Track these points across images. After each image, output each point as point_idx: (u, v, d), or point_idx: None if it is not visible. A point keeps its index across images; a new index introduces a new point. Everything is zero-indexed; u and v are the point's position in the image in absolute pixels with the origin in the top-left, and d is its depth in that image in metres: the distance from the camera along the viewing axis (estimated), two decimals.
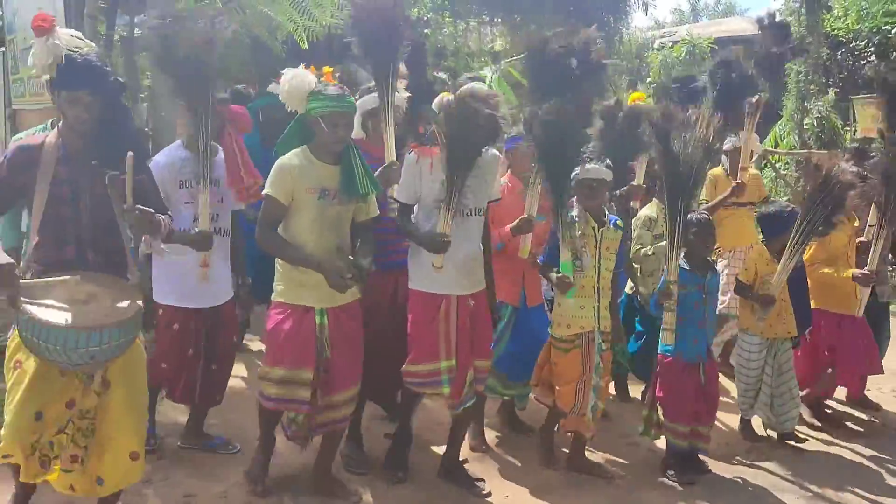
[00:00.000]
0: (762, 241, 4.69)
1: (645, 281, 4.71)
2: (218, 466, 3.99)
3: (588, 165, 3.89)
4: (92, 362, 2.73)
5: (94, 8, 5.68)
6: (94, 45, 3.05)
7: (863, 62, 14.37)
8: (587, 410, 3.93)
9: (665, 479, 4.09)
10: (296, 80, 3.44)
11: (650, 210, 4.77)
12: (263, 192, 3.44)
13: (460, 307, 3.72)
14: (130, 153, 2.78)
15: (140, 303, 2.87)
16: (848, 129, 11.31)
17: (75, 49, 2.90)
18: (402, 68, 4.24)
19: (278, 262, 3.52)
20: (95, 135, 2.91)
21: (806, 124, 10.56)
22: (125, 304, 2.80)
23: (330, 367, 3.47)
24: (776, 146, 11.13)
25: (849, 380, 5.01)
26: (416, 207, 3.80)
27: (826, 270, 4.75)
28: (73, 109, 2.87)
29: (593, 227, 3.92)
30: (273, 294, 3.55)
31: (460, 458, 4.04)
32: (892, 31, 14.15)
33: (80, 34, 3.04)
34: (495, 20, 8.52)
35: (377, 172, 3.63)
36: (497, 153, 3.93)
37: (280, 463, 3.93)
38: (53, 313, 2.65)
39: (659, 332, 4.13)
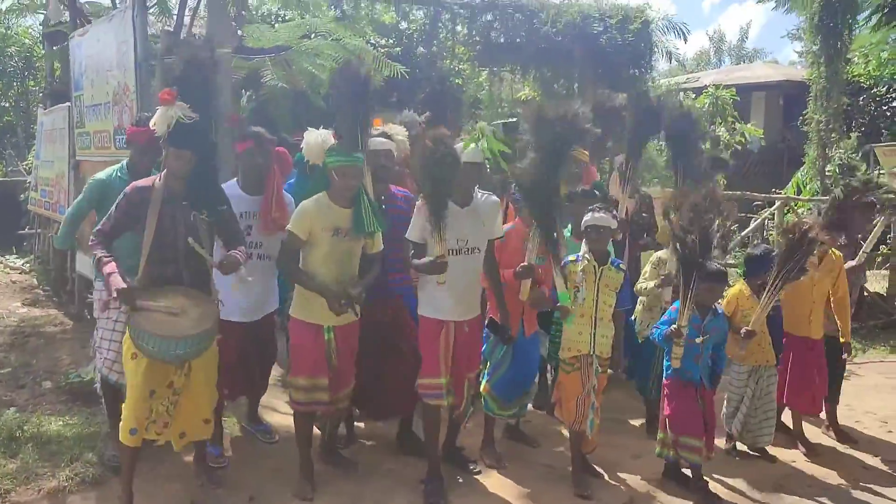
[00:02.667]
0: (743, 279, 5.07)
1: (645, 314, 5.24)
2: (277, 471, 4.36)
3: (596, 214, 4.41)
4: (178, 360, 3.68)
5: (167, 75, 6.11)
6: (197, 115, 3.81)
7: (884, 107, 14.72)
8: (586, 426, 4.39)
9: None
10: (316, 140, 4.23)
11: (664, 253, 5.18)
12: (287, 228, 4.13)
13: (457, 331, 4.31)
14: (190, 239, 3.72)
15: (218, 316, 3.80)
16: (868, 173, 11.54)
17: (186, 117, 3.73)
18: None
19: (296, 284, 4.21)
20: (190, 181, 3.80)
21: (828, 171, 10.81)
22: (205, 319, 3.69)
23: (335, 373, 4.18)
24: (799, 193, 11.38)
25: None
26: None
27: None
28: (177, 162, 3.77)
29: (594, 266, 4.40)
30: (291, 308, 4.24)
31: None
32: None
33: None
34: (527, 74, 8.97)
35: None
36: (496, 199, 4.48)
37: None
38: (154, 324, 3.57)
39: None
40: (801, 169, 11.60)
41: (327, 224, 4.05)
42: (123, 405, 3.82)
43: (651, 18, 8.67)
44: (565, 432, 4.81)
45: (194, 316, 3.66)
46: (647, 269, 5.23)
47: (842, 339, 5.24)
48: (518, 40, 8.37)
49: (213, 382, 3.97)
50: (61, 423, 5.00)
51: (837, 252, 5.20)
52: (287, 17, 10.80)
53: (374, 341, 4.45)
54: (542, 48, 8.30)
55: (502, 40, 8.48)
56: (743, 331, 4.68)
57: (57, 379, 5.82)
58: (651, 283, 5.03)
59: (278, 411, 5.40)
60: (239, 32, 8.67)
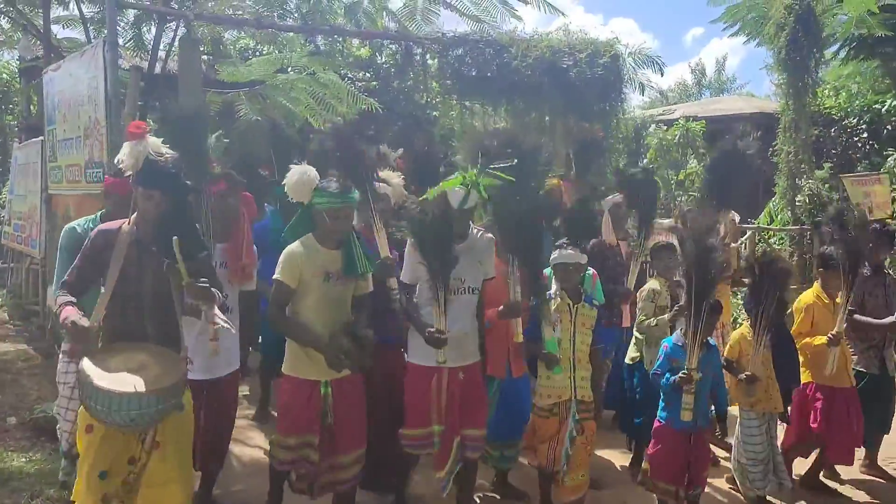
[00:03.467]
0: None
1: (650, 351, 4.90)
2: None
3: (563, 251, 4.23)
4: (132, 424, 3.04)
5: (134, 107, 6.18)
6: (173, 152, 3.42)
7: (855, 139, 14.97)
8: (560, 467, 4.16)
9: None
10: (301, 177, 3.79)
11: (654, 283, 5.03)
12: (273, 276, 3.74)
13: (451, 379, 3.98)
14: (176, 238, 3.15)
15: (183, 375, 3.18)
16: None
17: (158, 154, 3.30)
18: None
19: (288, 338, 3.86)
20: (160, 225, 3.31)
21: (798, 201, 10.97)
22: (168, 375, 3.12)
23: (333, 431, 3.77)
24: (771, 222, 11.55)
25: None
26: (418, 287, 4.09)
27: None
28: (146, 203, 3.31)
29: (568, 304, 4.21)
30: (283, 366, 3.88)
31: None
32: (883, 109, 14.78)
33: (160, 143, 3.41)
34: (499, 106, 9.11)
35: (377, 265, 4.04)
36: (491, 236, 4.21)
37: None
38: (104, 378, 3.00)
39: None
40: (773, 199, 11.78)
41: (317, 269, 3.73)
42: (74, 486, 3.30)
43: (620, 52, 8.82)
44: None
45: (156, 371, 3.13)
46: (642, 304, 4.99)
47: None
48: (489, 74, 8.49)
49: (188, 463, 3.41)
50: (24, 459, 4.96)
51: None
52: (264, 52, 10.95)
53: (375, 396, 4.17)
54: (513, 81, 8.42)
55: (474, 74, 8.61)
56: (742, 376, 4.51)
57: (22, 415, 5.76)
58: (665, 317, 4.76)
59: (247, 444, 5.40)
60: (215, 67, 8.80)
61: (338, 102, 8.67)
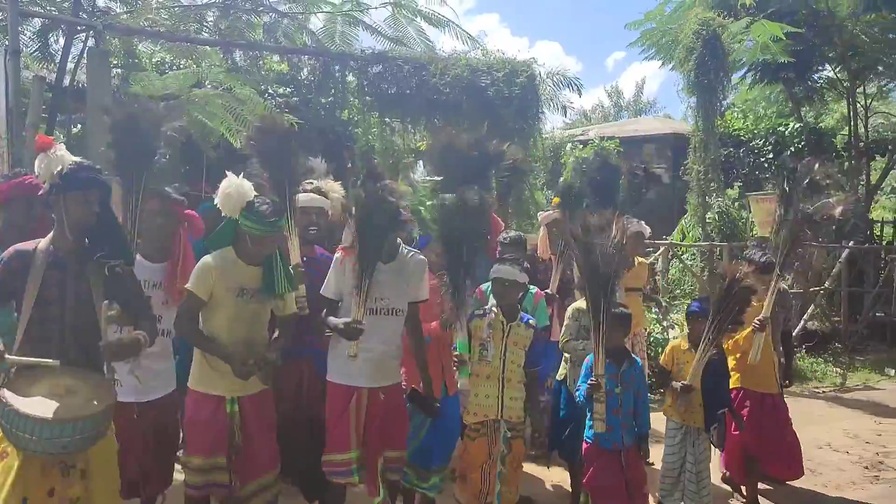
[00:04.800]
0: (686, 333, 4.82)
1: (575, 370, 4.74)
2: None
3: (502, 266, 4.12)
4: (64, 452, 2.92)
5: (37, 117, 5.97)
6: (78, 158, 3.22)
7: (762, 159, 15.68)
8: (494, 498, 4.06)
9: None
10: (234, 190, 3.62)
11: (580, 303, 4.81)
12: (185, 287, 3.67)
13: (371, 399, 3.87)
14: (106, 303, 3.02)
15: (114, 397, 3.08)
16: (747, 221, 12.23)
17: (72, 160, 3.14)
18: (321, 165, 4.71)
19: (196, 351, 3.74)
20: (95, 231, 3.16)
21: (708, 218, 11.40)
22: (98, 399, 2.99)
23: (243, 452, 3.65)
24: (683, 239, 11.95)
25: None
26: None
27: None
28: (84, 208, 3.11)
29: (502, 322, 4.10)
30: (189, 380, 3.75)
31: None
32: (786, 131, 15.53)
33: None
34: (418, 123, 9.21)
35: None
36: (423, 257, 4.07)
37: None
38: (32, 406, 2.84)
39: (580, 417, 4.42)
40: (685, 216, 12.20)
41: (231, 283, 3.63)
42: None
43: (537, 72, 9.03)
44: None
45: (85, 395, 2.97)
46: (567, 322, 4.89)
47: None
48: (408, 91, 8.59)
49: (116, 489, 3.23)
50: None
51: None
52: (182, 66, 10.73)
53: (285, 410, 4.05)
54: (432, 99, 8.54)
55: (393, 91, 8.68)
56: (679, 385, 4.46)
57: None
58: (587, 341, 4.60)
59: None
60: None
61: (255, 118, 8.56)
